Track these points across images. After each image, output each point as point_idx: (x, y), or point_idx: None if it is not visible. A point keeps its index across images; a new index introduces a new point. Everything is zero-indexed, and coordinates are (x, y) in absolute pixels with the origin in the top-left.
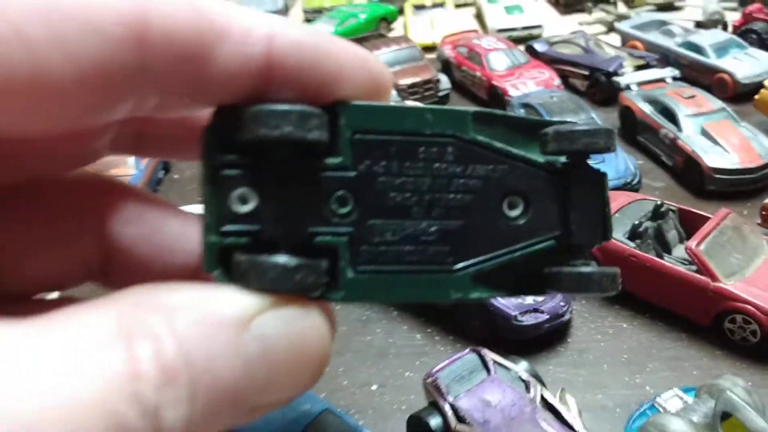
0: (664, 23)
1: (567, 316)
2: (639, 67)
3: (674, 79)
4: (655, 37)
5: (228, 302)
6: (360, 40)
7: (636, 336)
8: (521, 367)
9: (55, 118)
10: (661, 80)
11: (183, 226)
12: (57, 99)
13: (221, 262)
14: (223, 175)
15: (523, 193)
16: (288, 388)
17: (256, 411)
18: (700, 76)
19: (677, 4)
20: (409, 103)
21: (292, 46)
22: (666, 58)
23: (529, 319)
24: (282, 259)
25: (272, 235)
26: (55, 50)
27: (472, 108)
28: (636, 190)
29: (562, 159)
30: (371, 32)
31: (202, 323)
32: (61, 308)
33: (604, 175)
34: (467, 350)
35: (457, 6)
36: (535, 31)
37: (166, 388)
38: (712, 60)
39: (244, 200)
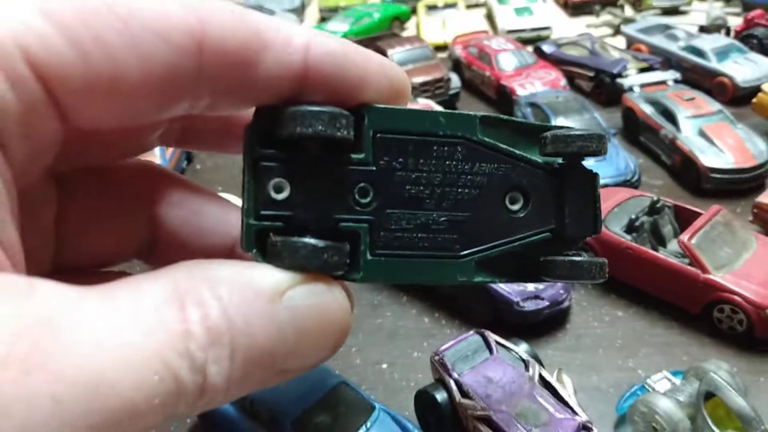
0: (668, 27)
1: (566, 303)
2: (642, 70)
3: (676, 81)
4: (659, 40)
5: (264, 276)
6: (374, 39)
7: (630, 323)
8: (522, 349)
9: (126, 115)
10: (663, 83)
11: (221, 211)
12: (129, 98)
13: (257, 243)
14: (262, 166)
15: (524, 189)
16: (313, 353)
17: (284, 374)
18: (701, 79)
19: (682, 8)
20: (421, 100)
21: (326, 54)
22: (669, 62)
23: (530, 305)
24: (312, 240)
25: (302, 221)
26: (130, 55)
27: (480, 112)
28: (635, 188)
29: (559, 160)
30: (385, 31)
31: (242, 293)
32: (120, 279)
33: (596, 175)
34: (472, 332)
35: (469, 7)
36: (543, 33)
37: (211, 347)
38: (713, 64)
39: (279, 189)
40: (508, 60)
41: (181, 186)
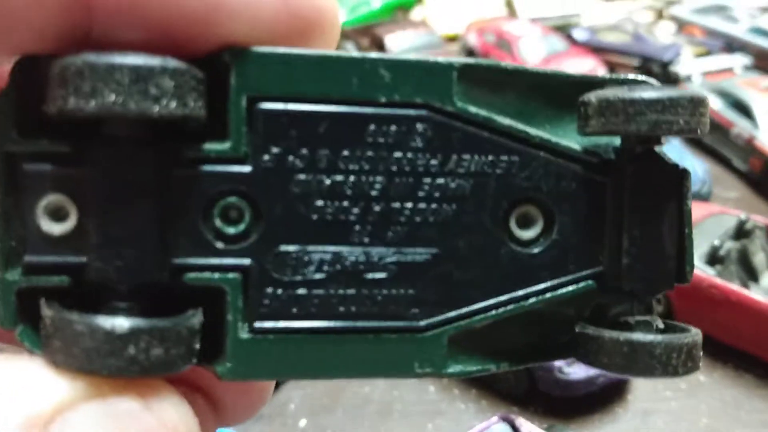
0: (724, 8)
1: None
2: (700, 56)
3: (746, 68)
4: (715, 22)
5: (17, 389)
6: (372, 27)
7: (717, 392)
8: None
9: None
10: (730, 70)
11: None
12: None
13: (27, 314)
14: (25, 171)
15: (544, 202)
16: None
17: None
18: None
19: None
20: None
21: None
22: (729, 47)
23: (577, 372)
24: (107, 320)
25: (105, 274)
26: None
27: (460, 59)
28: (705, 201)
29: (616, 143)
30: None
31: None
32: None
33: (683, 172)
34: (495, 417)
35: None
36: (572, 20)
37: None
38: None
39: (58, 214)
40: (533, 47)
41: None
